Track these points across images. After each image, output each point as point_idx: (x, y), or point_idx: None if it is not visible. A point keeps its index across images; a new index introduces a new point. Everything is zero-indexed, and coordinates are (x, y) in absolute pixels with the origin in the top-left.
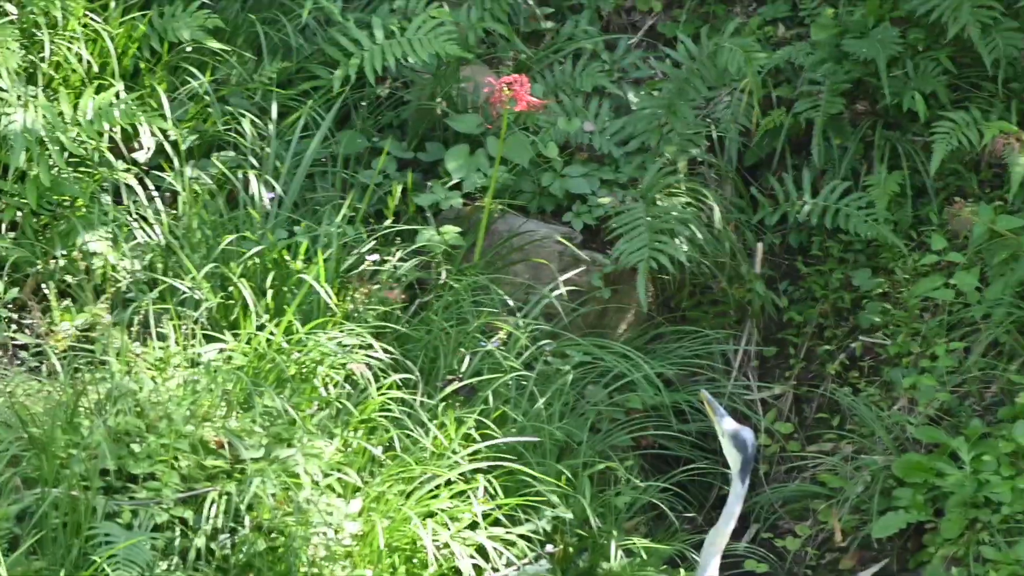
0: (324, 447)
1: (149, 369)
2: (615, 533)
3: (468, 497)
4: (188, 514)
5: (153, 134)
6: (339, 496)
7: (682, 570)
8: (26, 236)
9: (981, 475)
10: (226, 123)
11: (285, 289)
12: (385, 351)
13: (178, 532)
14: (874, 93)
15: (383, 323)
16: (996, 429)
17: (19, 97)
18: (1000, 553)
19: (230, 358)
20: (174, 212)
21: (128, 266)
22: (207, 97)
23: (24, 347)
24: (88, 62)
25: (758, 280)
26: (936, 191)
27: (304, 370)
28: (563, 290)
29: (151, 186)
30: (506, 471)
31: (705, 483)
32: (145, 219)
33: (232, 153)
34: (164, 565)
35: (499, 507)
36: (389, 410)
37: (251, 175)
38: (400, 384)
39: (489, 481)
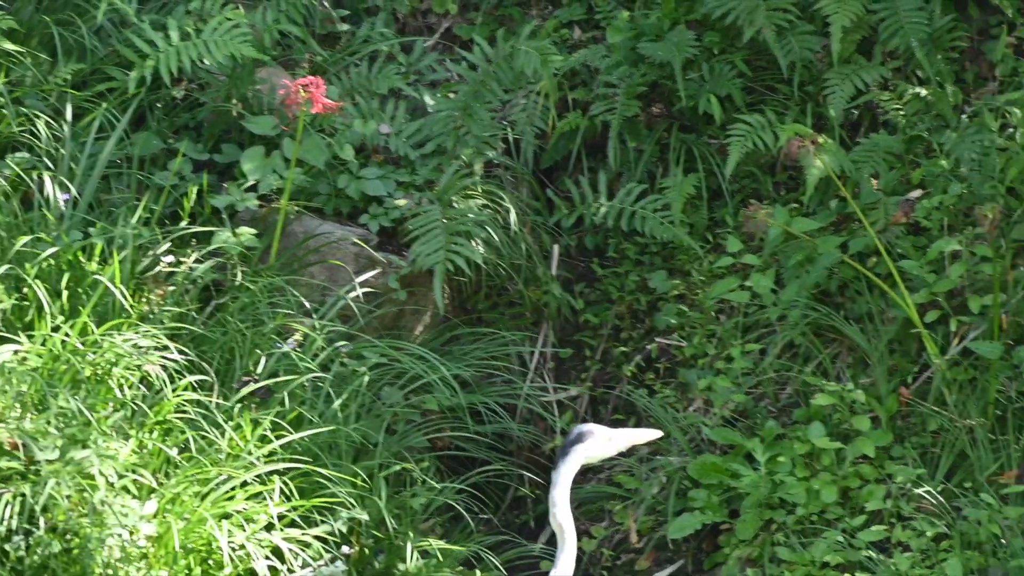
0: (119, 448)
1: None
2: (411, 534)
3: (264, 499)
4: None
5: None
6: (135, 498)
7: (478, 571)
8: None
9: (776, 476)
10: (21, 124)
11: (80, 291)
12: (180, 352)
13: None
14: (670, 96)
15: (179, 324)
16: (791, 430)
17: None
18: (795, 554)
19: (24, 359)
20: None
21: None
22: (1, 98)
23: None
24: None
25: (554, 282)
26: (732, 193)
27: (99, 371)
28: (359, 292)
29: None
30: (302, 473)
31: (501, 484)
32: None
33: (27, 154)
34: None
35: (295, 508)
36: (185, 411)
37: (46, 176)
38: (196, 386)
39: (285, 483)
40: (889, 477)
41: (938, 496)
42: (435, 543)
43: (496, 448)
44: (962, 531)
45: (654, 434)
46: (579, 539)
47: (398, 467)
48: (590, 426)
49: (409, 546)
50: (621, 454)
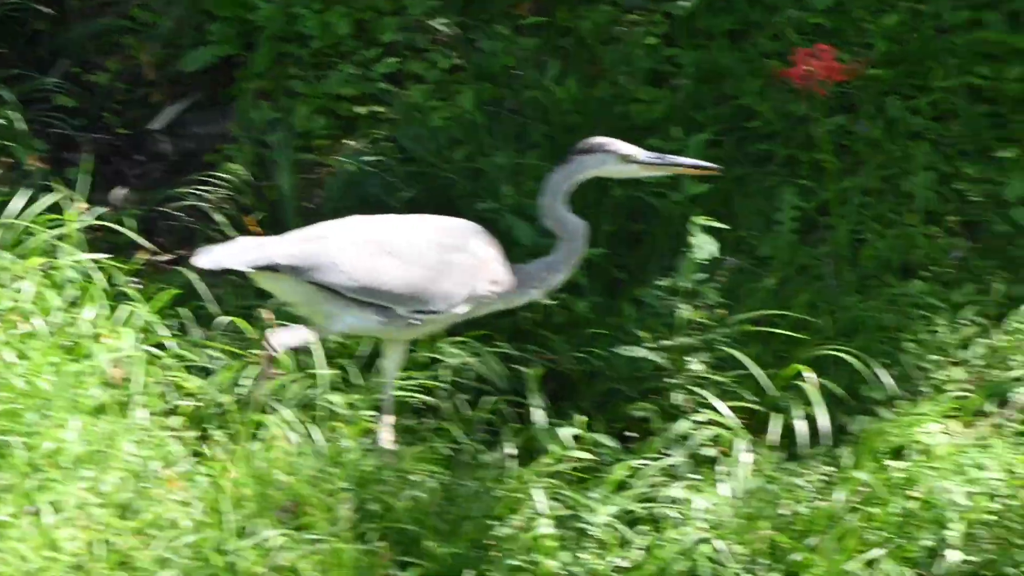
0: None
1: None
2: None
3: None
4: None
5: None
6: None
7: None
8: None
9: (292, 9)
10: None
11: None
12: None
13: None
14: None
15: None
16: None
17: None
18: (309, 86)
19: None
20: None
21: None
22: None
23: None
24: None
25: None
26: None
27: None
28: None
29: None
30: None
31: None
32: None
33: None
34: None
35: None
36: None
37: None
38: None
39: None
40: (405, 8)
41: (454, 27)
42: None
43: None
44: (477, 62)
45: (707, 165)
46: (93, 73)
47: None
48: (605, 140)
49: None
50: None
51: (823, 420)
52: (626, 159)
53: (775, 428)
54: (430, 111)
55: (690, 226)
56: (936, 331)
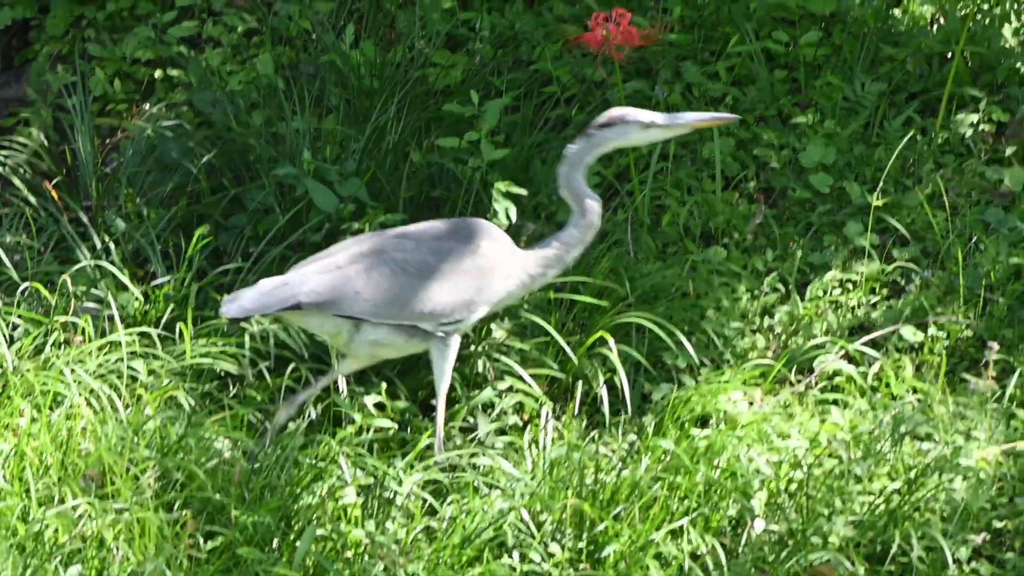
0: None
1: None
2: None
3: None
4: None
5: None
6: None
7: None
8: None
9: None
10: None
11: None
12: None
13: None
14: None
15: None
16: None
17: None
18: (105, 50)
19: None
20: None
21: None
22: None
23: None
24: None
25: None
26: None
27: None
28: None
29: None
30: None
31: None
32: None
33: None
34: None
35: None
36: None
37: None
38: None
39: None
40: None
41: None
42: None
43: None
44: (274, 26)
45: (725, 117)
46: None
47: None
48: (624, 111)
49: None
50: None
51: (626, 388)
52: (647, 127)
53: (578, 396)
54: (228, 75)
55: (493, 191)
56: (738, 298)
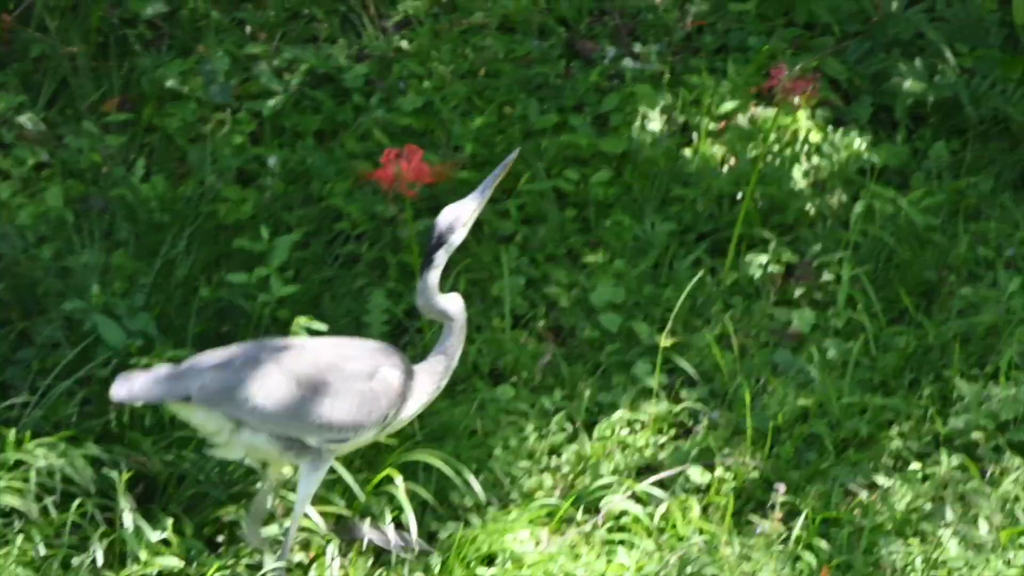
0: None
1: None
2: None
3: None
4: None
5: None
6: None
7: None
8: None
9: None
10: None
11: None
12: None
13: None
14: None
15: None
16: None
17: None
18: None
19: None
20: None
21: None
22: None
23: None
24: None
25: None
26: None
27: None
28: None
29: None
30: None
31: None
32: None
33: None
34: None
35: None
36: None
37: None
38: None
39: None
40: None
41: (40, 123)
42: None
43: None
44: (63, 159)
45: (508, 161)
46: None
47: None
48: (451, 218)
49: None
50: None
51: (413, 526)
52: (472, 214)
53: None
54: (16, 208)
55: (292, 326)
56: (525, 437)
